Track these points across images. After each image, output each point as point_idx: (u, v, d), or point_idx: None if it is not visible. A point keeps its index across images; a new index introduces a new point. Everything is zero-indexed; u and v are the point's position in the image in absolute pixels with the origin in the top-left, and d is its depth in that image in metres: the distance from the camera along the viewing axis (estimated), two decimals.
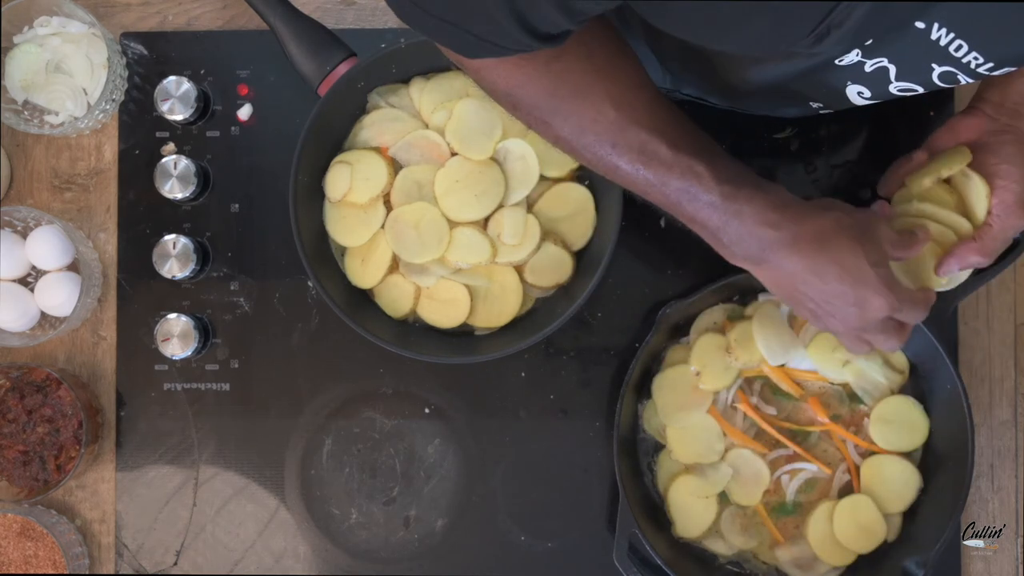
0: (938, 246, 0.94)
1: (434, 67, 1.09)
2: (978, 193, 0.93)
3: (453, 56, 0.80)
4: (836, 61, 0.78)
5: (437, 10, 0.70)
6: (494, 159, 1.07)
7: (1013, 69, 0.74)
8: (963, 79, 0.76)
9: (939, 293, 1.04)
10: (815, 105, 0.92)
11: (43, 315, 1.13)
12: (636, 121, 0.79)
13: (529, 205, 1.08)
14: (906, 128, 1.10)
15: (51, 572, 1.09)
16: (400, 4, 0.72)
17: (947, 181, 0.95)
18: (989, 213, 0.93)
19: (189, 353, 1.10)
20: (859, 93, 0.84)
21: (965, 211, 0.94)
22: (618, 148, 0.80)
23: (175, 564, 1.13)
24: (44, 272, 1.13)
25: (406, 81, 1.10)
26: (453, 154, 1.08)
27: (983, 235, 0.93)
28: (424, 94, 1.09)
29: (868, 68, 0.78)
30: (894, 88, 0.81)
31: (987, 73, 0.74)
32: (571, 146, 0.82)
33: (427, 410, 1.13)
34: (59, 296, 1.11)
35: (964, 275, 0.97)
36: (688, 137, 0.80)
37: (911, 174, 0.96)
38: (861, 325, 0.85)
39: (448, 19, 0.71)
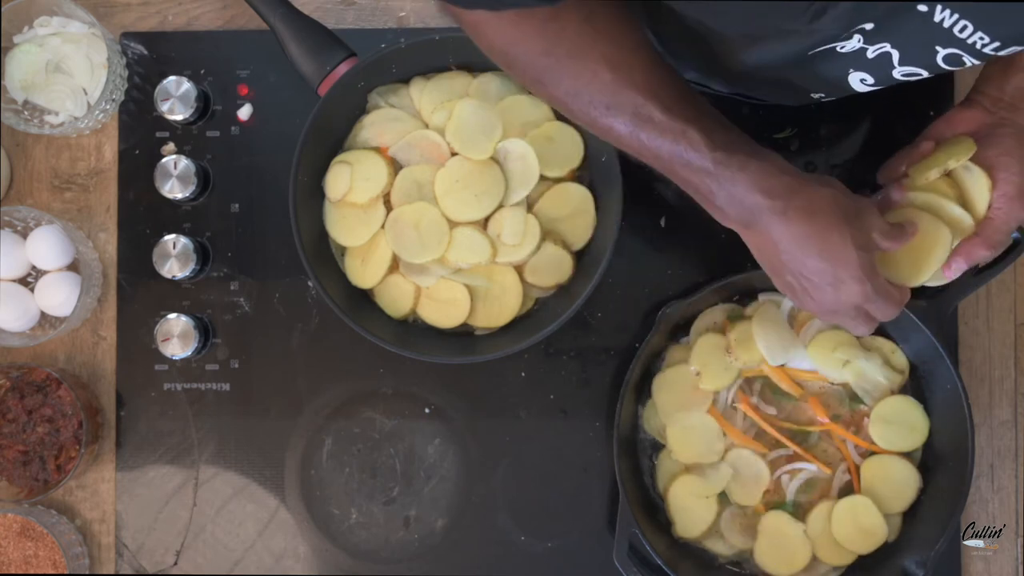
0: (935, 242, 0.94)
1: (434, 67, 1.10)
2: (979, 186, 0.93)
3: (451, 10, 0.79)
4: (838, 48, 0.77)
5: None
6: (494, 159, 1.07)
7: (1021, 48, 0.73)
8: (969, 60, 0.75)
9: (939, 292, 1.04)
10: (816, 96, 0.91)
11: (43, 315, 1.13)
12: (632, 84, 0.79)
13: (529, 205, 1.08)
14: (906, 128, 1.10)
15: (51, 572, 1.09)
16: None
17: (948, 174, 0.95)
18: (990, 206, 0.93)
19: (189, 353, 1.10)
20: (862, 80, 0.83)
21: (965, 203, 0.94)
22: (612, 110, 0.79)
23: (175, 564, 1.13)
24: (44, 272, 1.13)
25: (406, 81, 1.10)
26: (453, 154, 1.08)
27: (986, 228, 0.93)
28: (424, 94, 1.09)
29: (871, 55, 0.77)
30: (898, 73, 0.80)
31: (993, 53, 0.73)
32: (566, 106, 0.82)
33: (427, 410, 1.13)
34: (59, 296, 1.11)
35: (957, 273, 0.96)
36: (683, 101, 0.80)
37: (915, 164, 0.96)
38: (833, 307, 0.85)
39: None
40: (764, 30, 0.79)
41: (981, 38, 0.71)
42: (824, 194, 0.82)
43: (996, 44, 0.72)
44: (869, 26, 0.73)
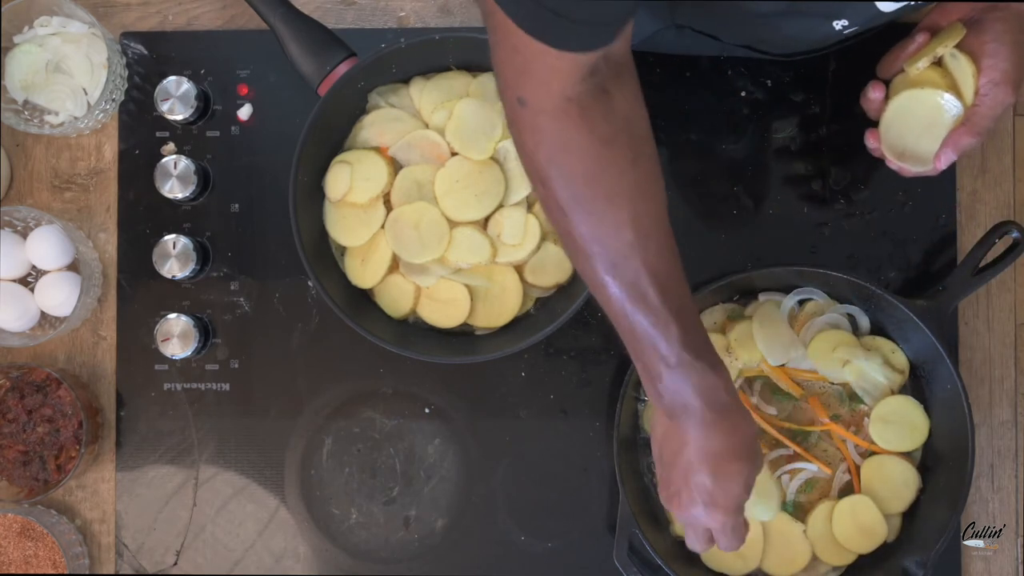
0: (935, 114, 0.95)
1: (434, 67, 1.09)
2: (965, 73, 0.92)
3: (511, 101, 0.77)
4: None
5: None
6: (494, 159, 1.07)
7: None
8: None
9: (939, 291, 1.05)
10: (838, 26, 0.90)
11: (43, 315, 1.13)
12: (644, 256, 0.79)
13: (529, 205, 1.08)
14: None
15: (51, 572, 1.09)
16: None
17: (940, 64, 0.94)
18: (977, 93, 0.92)
19: (189, 353, 1.10)
20: None
21: (958, 92, 0.94)
22: (616, 271, 0.80)
23: (175, 564, 1.13)
24: (44, 272, 1.13)
25: (406, 81, 1.10)
26: (453, 154, 1.08)
27: (972, 116, 0.93)
28: (424, 94, 1.09)
29: None
30: None
31: None
32: (575, 245, 0.81)
33: (427, 410, 1.13)
34: (59, 296, 1.11)
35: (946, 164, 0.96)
36: (677, 290, 0.82)
37: (910, 57, 0.95)
38: (692, 520, 0.89)
39: None
40: None
41: None
42: (746, 430, 0.86)
43: None
44: None
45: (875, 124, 1.00)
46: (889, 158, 0.99)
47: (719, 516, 0.87)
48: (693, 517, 0.88)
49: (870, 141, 1.00)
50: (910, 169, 0.99)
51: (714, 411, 0.84)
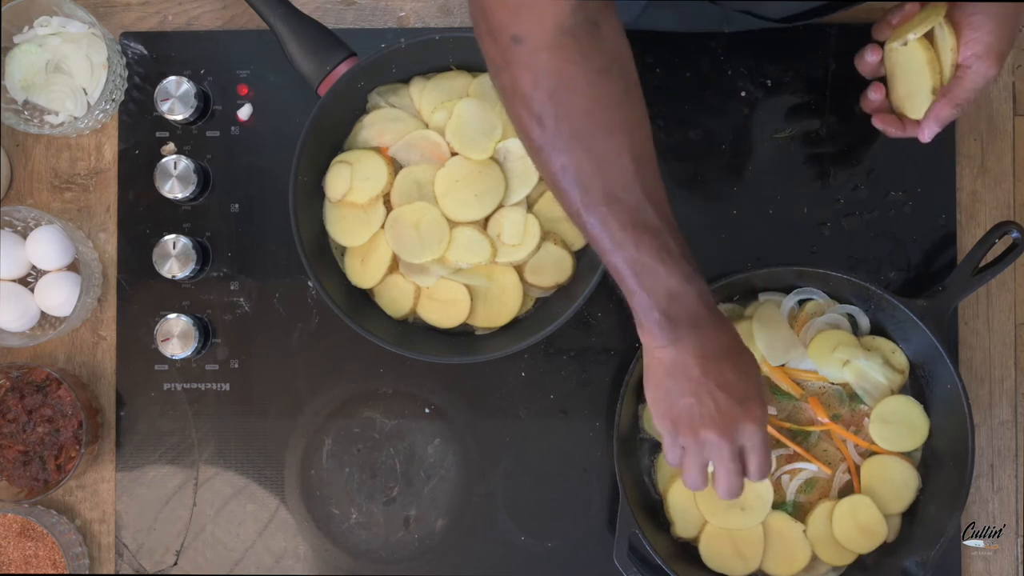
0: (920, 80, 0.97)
1: (434, 67, 1.10)
2: (945, 45, 0.94)
3: (504, 42, 0.76)
4: None
5: None
6: (494, 159, 1.07)
7: None
8: None
9: (939, 291, 1.04)
10: None
11: (43, 315, 1.13)
12: (643, 183, 0.80)
13: (529, 205, 1.08)
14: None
15: (51, 572, 1.09)
16: None
17: (931, 36, 0.96)
18: (959, 66, 0.94)
19: (189, 353, 1.10)
20: None
21: (939, 64, 0.96)
22: (618, 203, 0.80)
23: (175, 564, 1.13)
24: (44, 272, 1.13)
25: (406, 81, 1.10)
26: (453, 154, 1.08)
27: (953, 87, 0.95)
28: (424, 94, 1.09)
29: None
30: None
31: None
32: (575, 181, 0.80)
33: (427, 410, 1.13)
34: (59, 296, 1.11)
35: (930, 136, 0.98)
36: (667, 208, 0.82)
37: (895, 29, 0.98)
38: (730, 422, 0.86)
39: None
40: None
41: None
42: (740, 342, 0.88)
43: None
44: None
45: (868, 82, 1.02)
46: (883, 117, 1.01)
47: (757, 407, 0.86)
48: (733, 416, 0.85)
49: (872, 93, 1.01)
50: (894, 131, 1.00)
51: (717, 313, 0.85)
